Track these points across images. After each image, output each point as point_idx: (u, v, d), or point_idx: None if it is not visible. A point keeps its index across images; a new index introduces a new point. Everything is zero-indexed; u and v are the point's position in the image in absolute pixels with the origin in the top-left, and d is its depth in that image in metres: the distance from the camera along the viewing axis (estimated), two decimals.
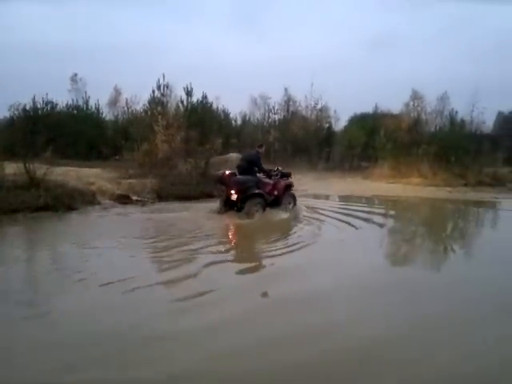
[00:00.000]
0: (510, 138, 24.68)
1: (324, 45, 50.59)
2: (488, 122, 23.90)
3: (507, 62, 42.99)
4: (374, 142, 22.92)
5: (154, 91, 17.48)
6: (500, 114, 32.54)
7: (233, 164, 18.36)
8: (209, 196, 11.84)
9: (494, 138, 22.44)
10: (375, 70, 45.09)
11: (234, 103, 37.61)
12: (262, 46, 50.86)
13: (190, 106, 22.24)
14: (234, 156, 22.64)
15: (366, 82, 42.83)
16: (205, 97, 24.34)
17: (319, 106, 26.44)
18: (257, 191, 9.01)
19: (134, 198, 10.83)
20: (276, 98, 26.65)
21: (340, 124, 28.36)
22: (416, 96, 21.51)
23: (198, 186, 12.24)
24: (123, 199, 10.43)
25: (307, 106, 26.52)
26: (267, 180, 9.40)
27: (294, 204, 10.02)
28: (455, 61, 43.69)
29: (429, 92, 21.52)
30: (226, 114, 28.00)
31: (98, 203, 9.83)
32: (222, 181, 9.44)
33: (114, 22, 44.01)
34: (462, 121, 20.43)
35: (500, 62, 43.54)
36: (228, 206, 9.27)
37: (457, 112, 20.41)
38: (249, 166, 9.26)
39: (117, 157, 15.16)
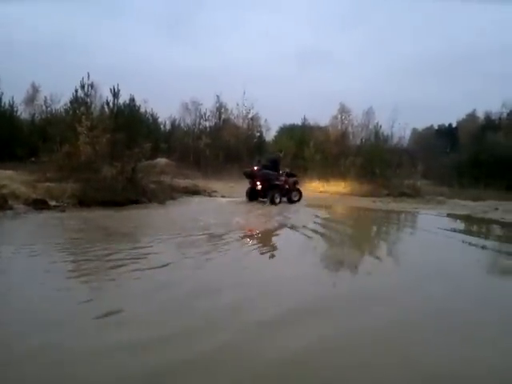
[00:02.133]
0: (424, 152, 26.69)
1: (256, 56, 51.57)
2: (406, 138, 25.64)
3: (423, 82, 46.99)
4: (303, 152, 23.49)
5: (77, 90, 16.22)
6: (415, 130, 35.22)
7: (161, 169, 17.74)
8: (135, 202, 11.10)
9: (411, 153, 24.07)
10: (305, 83, 46.83)
11: (164, 108, 36.61)
12: (194, 52, 50.50)
13: (116, 107, 21.14)
14: (163, 161, 21.88)
15: (296, 95, 44.37)
16: (132, 99, 23.36)
17: (251, 115, 26.62)
18: (277, 183, 12.58)
19: (52, 203, 9.82)
20: (208, 105, 26.38)
21: (270, 134, 28.85)
22: (343, 110, 22.54)
23: (124, 192, 11.38)
24: (40, 204, 9.38)
25: (239, 115, 26.58)
26: (282, 177, 12.90)
27: (300, 197, 13.57)
28: (379, 78, 46.71)
29: (355, 106, 22.73)
30: (155, 118, 27.19)
31: (10, 208, 8.74)
32: (250, 174, 12.75)
33: (34, 17, 40.94)
34: (385, 135, 21.67)
35: (417, 82, 47.44)
36: (252, 196, 12.76)
37: (381, 126, 21.61)
38: (272, 165, 12.82)
39: (33, 158, 13.77)
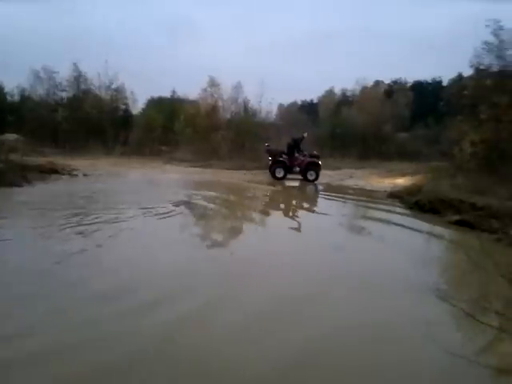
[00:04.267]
0: (289, 127, 28.00)
1: (121, 22, 47.71)
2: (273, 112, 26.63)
3: (289, 59, 49.27)
4: (173, 126, 22.86)
5: None
6: (281, 105, 36.82)
7: (10, 146, 15.48)
8: None
9: (278, 127, 25.07)
10: (174, 54, 45.17)
11: (10, 76, 31.68)
12: (45, 12, 44.45)
13: None
14: (12, 137, 19.21)
15: (165, 66, 42.63)
16: None
17: (114, 86, 24.72)
18: (280, 159, 14.12)
19: None
20: (64, 74, 23.67)
21: (138, 106, 27.26)
22: (213, 83, 22.28)
23: None
24: None
25: (101, 85, 24.46)
26: (300, 157, 14.22)
27: (317, 177, 14.37)
28: (248, 53, 47.42)
29: (225, 80, 22.59)
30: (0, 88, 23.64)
31: None
32: (267, 151, 14.68)
33: None
34: (254, 109, 22.18)
35: (283, 59, 49.50)
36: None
37: (250, 100, 22.00)
38: (294, 143, 14.30)
39: None
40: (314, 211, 9.92)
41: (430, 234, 7.32)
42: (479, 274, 4.25)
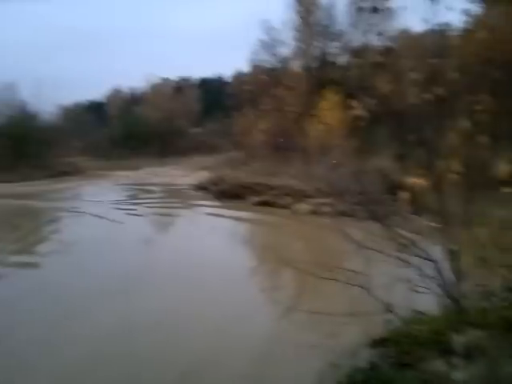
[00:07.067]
0: (77, 128, 25.47)
1: None
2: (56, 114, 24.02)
3: (71, 57, 45.06)
4: None
5: None
6: (64, 106, 33.34)
7: None
8: None
9: (65, 129, 22.52)
10: None
11: None
12: None
13: None
14: None
15: None
16: None
17: None
18: None
19: None
20: None
21: None
22: None
23: None
24: None
25: None
26: None
27: None
28: (21, 50, 40.86)
29: None
30: None
31: None
32: None
33: None
34: (33, 112, 19.22)
35: (65, 57, 44.88)
36: None
37: (27, 102, 18.92)
38: None
39: None
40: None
41: (237, 218, 8.05)
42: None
